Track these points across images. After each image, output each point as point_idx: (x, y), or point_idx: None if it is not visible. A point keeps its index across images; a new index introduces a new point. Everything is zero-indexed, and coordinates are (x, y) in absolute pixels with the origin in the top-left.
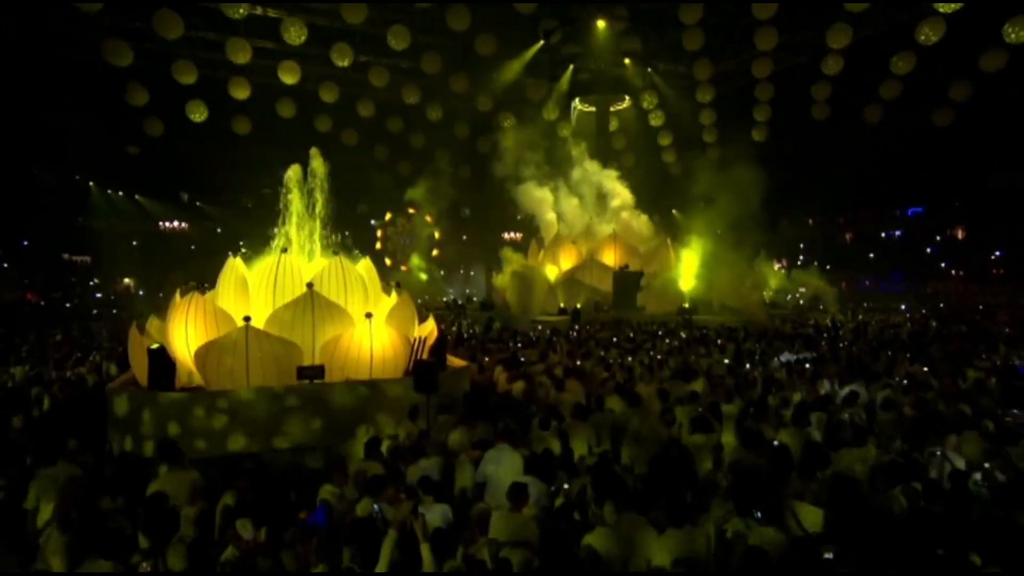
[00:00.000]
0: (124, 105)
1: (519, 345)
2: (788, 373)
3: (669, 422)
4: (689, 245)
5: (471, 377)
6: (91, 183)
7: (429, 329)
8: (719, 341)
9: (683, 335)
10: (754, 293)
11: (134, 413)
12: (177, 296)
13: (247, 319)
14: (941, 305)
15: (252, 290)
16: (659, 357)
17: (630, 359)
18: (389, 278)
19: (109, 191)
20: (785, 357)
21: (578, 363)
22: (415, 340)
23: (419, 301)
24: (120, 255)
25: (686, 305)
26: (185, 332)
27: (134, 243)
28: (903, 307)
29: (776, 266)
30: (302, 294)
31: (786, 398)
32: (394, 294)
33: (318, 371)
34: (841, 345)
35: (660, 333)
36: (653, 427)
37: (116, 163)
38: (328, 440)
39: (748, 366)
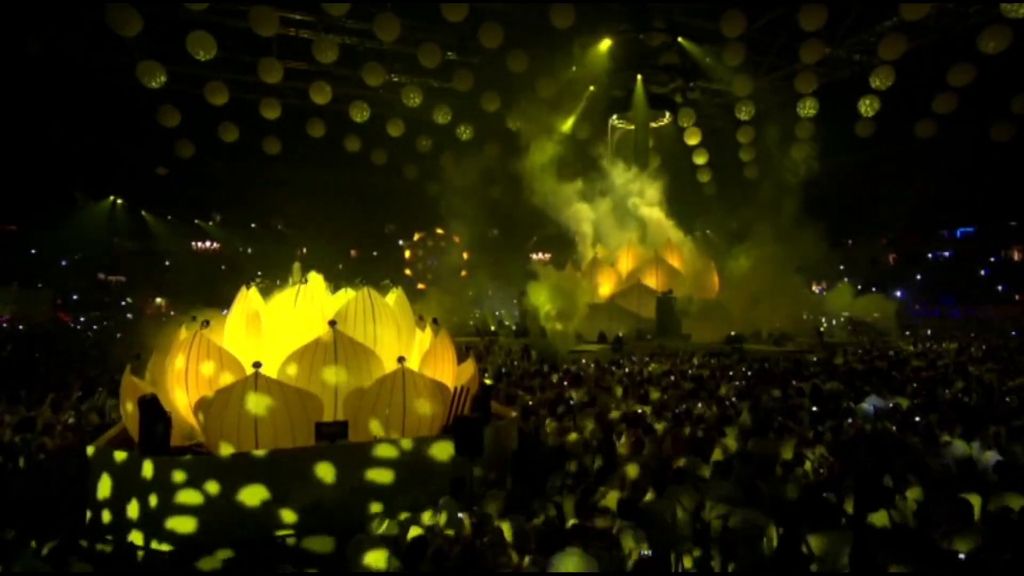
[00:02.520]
0: (156, 127)
1: (565, 383)
2: (900, 428)
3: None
4: (734, 268)
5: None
6: (120, 201)
7: (470, 374)
8: (795, 382)
9: (746, 371)
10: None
11: (116, 483)
12: (183, 332)
13: (257, 365)
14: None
15: (266, 328)
16: (730, 402)
17: (699, 406)
18: (416, 301)
19: (143, 212)
20: (873, 402)
21: (639, 410)
22: (456, 391)
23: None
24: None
25: (736, 333)
26: (186, 378)
27: (167, 263)
28: (972, 335)
29: (816, 289)
30: (323, 334)
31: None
32: (429, 330)
33: (340, 429)
34: (946, 391)
35: (714, 363)
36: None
37: (149, 184)
38: (350, 515)
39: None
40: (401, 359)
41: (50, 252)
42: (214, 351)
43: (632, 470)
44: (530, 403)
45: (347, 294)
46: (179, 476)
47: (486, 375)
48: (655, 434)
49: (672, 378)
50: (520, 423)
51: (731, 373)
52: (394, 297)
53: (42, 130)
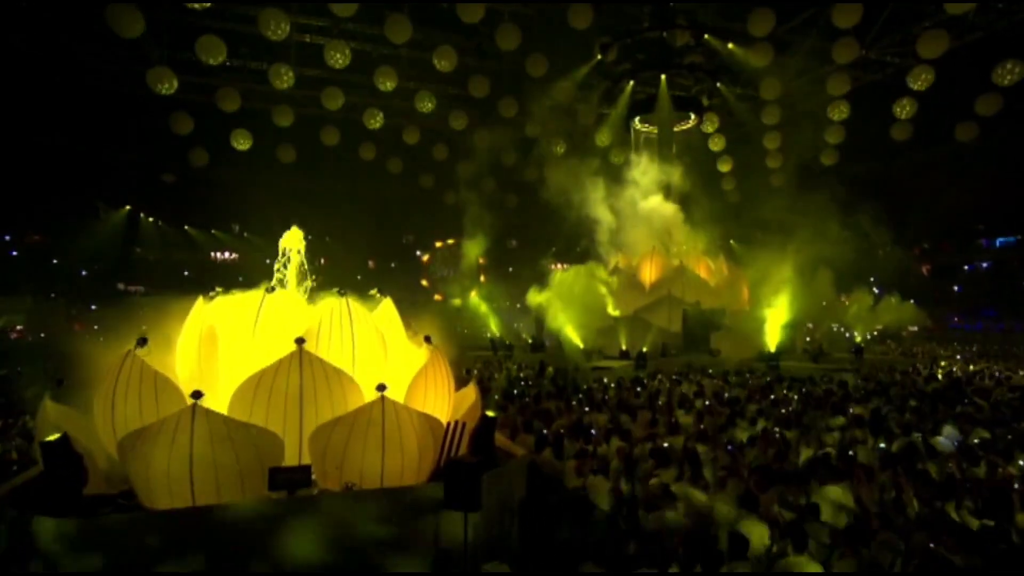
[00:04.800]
0: (173, 136)
1: (585, 408)
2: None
3: None
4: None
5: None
6: (141, 214)
7: (470, 403)
8: (850, 408)
9: (788, 394)
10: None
11: (11, 545)
12: (132, 355)
13: (196, 395)
14: None
15: (223, 348)
16: (778, 435)
17: (741, 439)
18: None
19: (160, 222)
20: (949, 436)
21: (665, 444)
22: (449, 426)
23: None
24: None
25: (771, 350)
26: (112, 410)
27: (186, 273)
28: None
29: (846, 302)
30: (286, 355)
31: None
32: (424, 349)
33: (301, 476)
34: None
35: (751, 383)
36: None
37: (168, 194)
38: None
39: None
40: (381, 387)
41: (71, 262)
42: (147, 376)
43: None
44: (544, 432)
45: (323, 305)
46: (83, 539)
47: (492, 403)
48: (704, 481)
49: (706, 402)
50: (533, 456)
51: (772, 397)
52: (383, 310)
53: (64, 141)
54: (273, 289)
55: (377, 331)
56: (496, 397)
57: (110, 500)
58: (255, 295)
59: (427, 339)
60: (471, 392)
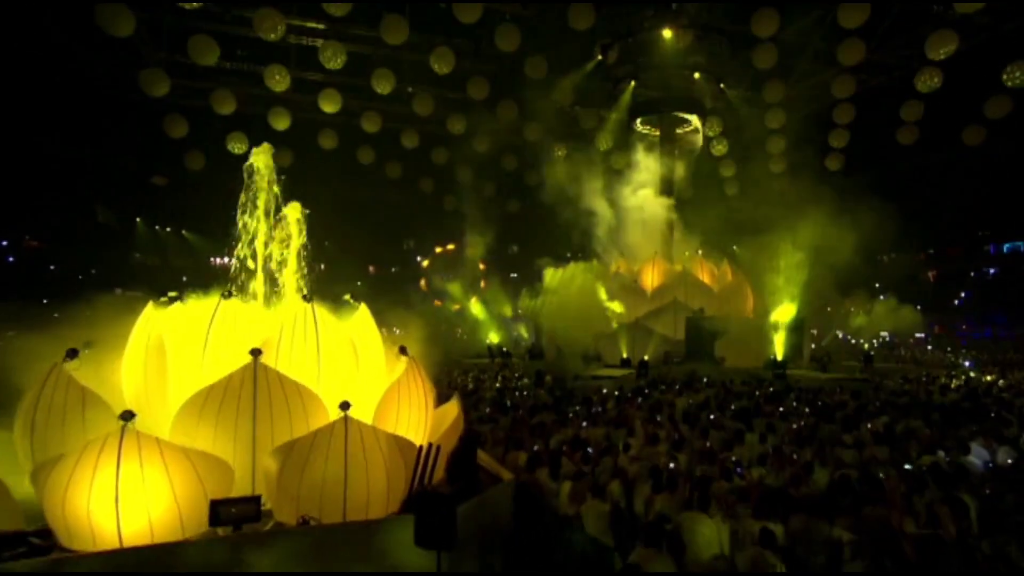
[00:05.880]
0: (166, 140)
1: (584, 423)
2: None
3: None
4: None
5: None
6: (138, 219)
7: (451, 419)
8: (870, 426)
9: (799, 406)
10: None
11: None
12: (58, 368)
13: (126, 416)
14: None
15: (172, 361)
16: (794, 457)
17: (745, 459)
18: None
19: (156, 227)
20: (979, 455)
21: (671, 465)
22: (421, 450)
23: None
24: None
25: (779, 358)
26: (31, 434)
27: (184, 279)
28: None
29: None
30: (238, 369)
31: None
32: (402, 362)
33: (249, 508)
34: None
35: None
36: None
37: (165, 199)
38: None
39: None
40: (344, 405)
41: (69, 268)
42: (75, 393)
43: None
44: (536, 448)
45: (284, 311)
46: None
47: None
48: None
49: (712, 416)
50: (526, 476)
51: (781, 409)
52: (357, 318)
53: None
54: (230, 294)
55: (349, 341)
56: (487, 409)
57: (23, 539)
58: (211, 301)
59: (402, 350)
60: (453, 408)
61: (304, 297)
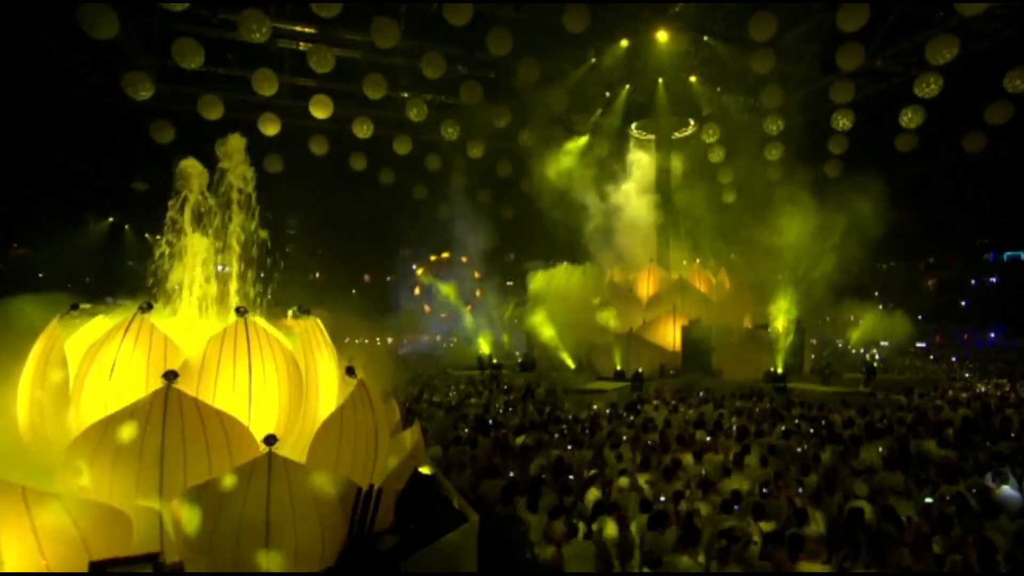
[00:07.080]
0: (155, 147)
1: (569, 446)
2: None
3: None
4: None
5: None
6: (127, 226)
7: (406, 452)
8: (880, 449)
9: (802, 426)
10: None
11: None
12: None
13: (269, 441)
14: None
15: (74, 387)
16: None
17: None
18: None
19: (146, 235)
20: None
21: (662, 499)
22: (359, 493)
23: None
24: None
25: (779, 370)
26: None
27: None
28: None
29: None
30: (146, 396)
31: None
32: (349, 384)
33: (142, 569)
34: None
35: (757, 411)
36: None
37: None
38: None
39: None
40: (270, 439)
41: (58, 275)
42: None
43: None
44: (512, 475)
45: (211, 326)
46: None
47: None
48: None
49: (708, 438)
50: (500, 509)
51: (783, 428)
52: (308, 332)
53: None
54: (149, 307)
55: (292, 362)
56: (466, 430)
57: None
58: (127, 313)
59: (349, 371)
60: (410, 437)
61: (238, 310)
